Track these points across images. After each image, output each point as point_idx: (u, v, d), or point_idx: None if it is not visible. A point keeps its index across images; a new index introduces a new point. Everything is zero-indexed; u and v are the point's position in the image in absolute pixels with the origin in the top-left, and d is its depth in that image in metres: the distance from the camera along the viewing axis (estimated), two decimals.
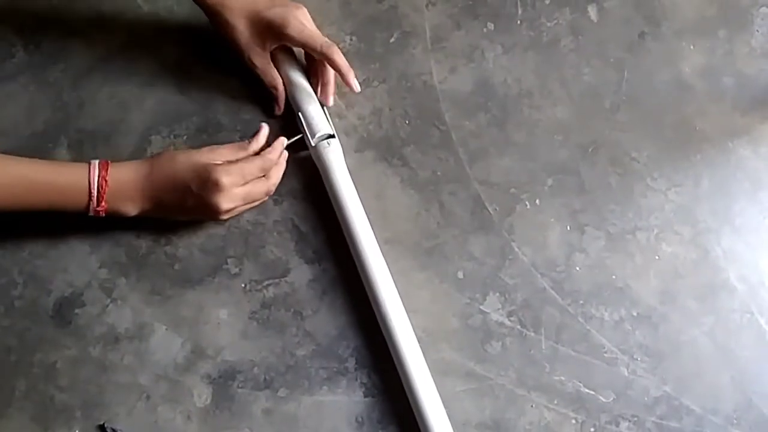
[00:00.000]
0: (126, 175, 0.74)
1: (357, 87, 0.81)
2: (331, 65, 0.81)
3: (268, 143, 0.80)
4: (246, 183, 0.76)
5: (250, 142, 0.79)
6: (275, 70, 0.83)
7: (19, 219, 0.81)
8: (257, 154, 0.79)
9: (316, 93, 0.83)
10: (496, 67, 0.88)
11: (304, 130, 0.81)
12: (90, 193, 0.73)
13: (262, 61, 0.82)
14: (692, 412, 0.78)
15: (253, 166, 0.77)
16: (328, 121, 0.82)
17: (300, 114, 0.82)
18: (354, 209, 0.78)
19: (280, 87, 0.83)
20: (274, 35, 0.80)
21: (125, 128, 0.84)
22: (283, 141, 0.80)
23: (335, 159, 0.80)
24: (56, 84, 0.85)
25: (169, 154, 0.76)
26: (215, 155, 0.77)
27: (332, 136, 0.81)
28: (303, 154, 0.83)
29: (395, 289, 0.77)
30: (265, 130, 0.81)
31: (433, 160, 0.84)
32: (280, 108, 0.84)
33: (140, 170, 0.75)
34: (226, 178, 0.74)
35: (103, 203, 0.73)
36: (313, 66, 0.84)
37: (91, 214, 0.74)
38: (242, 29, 0.79)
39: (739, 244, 0.83)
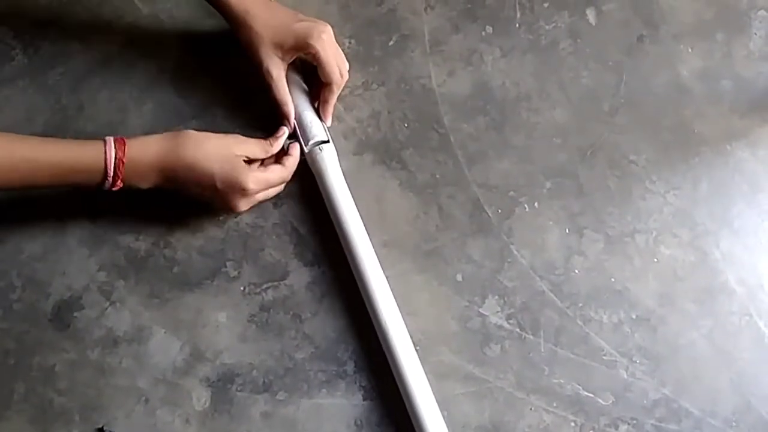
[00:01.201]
0: (144, 153, 0.74)
1: (328, 122, 0.83)
2: (324, 93, 0.82)
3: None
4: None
5: (272, 144, 0.80)
6: (287, 86, 0.82)
7: (18, 221, 0.81)
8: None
9: (314, 101, 0.83)
10: (494, 71, 0.88)
11: (299, 136, 0.81)
12: (106, 173, 0.72)
13: (278, 73, 0.81)
14: (691, 415, 0.78)
15: (277, 176, 0.79)
16: (324, 128, 0.82)
17: (295, 120, 0.82)
18: (349, 214, 0.78)
19: (290, 102, 0.82)
20: (296, 47, 0.79)
21: (124, 131, 0.83)
22: (296, 146, 0.81)
23: (329, 164, 0.80)
24: (55, 87, 0.85)
25: (195, 137, 0.75)
26: (242, 149, 0.77)
27: (326, 142, 0.81)
28: (303, 157, 0.83)
29: (391, 293, 0.77)
30: (285, 132, 0.81)
31: (432, 163, 0.84)
32: (291, 125, 0.82)
33: (160, 148, 0.74)
34: (254, 185, 0.76)
35: (119, 182, 0.73)
36: (317, 82, 0.83)
37: (105, 189, 0.74)
38: (265, 39, 0.79)
39: (737, 247, 0.83)
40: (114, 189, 0.74)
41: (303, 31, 0.79)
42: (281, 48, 0.80)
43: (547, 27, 0.89)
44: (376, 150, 0.85)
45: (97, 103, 0.85)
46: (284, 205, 0.83)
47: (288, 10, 0.81)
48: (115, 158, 0.72)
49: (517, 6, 0.90)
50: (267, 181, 0.78)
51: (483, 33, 0.89)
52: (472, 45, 0.88)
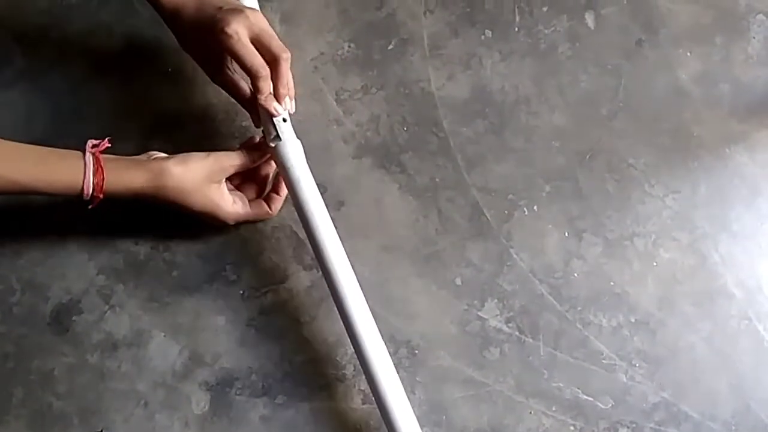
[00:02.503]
0: (123, 186, 0.72)
1: (287, 101, 0.75)
2: (270, 69, 0.74)
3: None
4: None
5: (253, 159, 0.77)
6: (243, 84, 0.77)
7: (17, 226, 0.81)
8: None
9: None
10: (493, 74, 0.88)
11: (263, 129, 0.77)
12: (83, 197, 0.71)
13: (223, 77, 0.76)
14: (690, 418, 0.78)
15: (259, 215, 0.79)
16: (273, 123, 0.75)
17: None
18: (314, 206, 0.74)
19: (246, 88, 0.77)
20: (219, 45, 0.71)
21: (124, 136, 0.83)
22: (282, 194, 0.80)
23: (286, 160, 0.75)
24: (55, 91, 0.85)
25: (176, 178, 0.72)
26: (224, 172, 0.76)
27: (278, 137, 0.75)
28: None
29: (357, 283, 0.74)
30: (262, 152, 0.78)
31: (432, 167, 0.84)
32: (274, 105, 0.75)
33: (140, 184, 0.72)
34: (233, 222, 0.78)
35: (94, 204, 0.72)
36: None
37: None
38: (194, 40, 0.74)
39: (736, 250, 0.83)
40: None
41: (215, 25, 0.71)
42: (209, 48, 0.74)
43: (546, 31, 0.89)
44: (376, 154, 0.85)
45: (97, 107, 0.85)
46: (283, 208, 0.82)
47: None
48: (93, 191, 0.71)
49: (516, 10, 0.90)
50: (247, 219, 0.79)
51: (482, 37, 0.89)
52: (471, 49, 0.89)
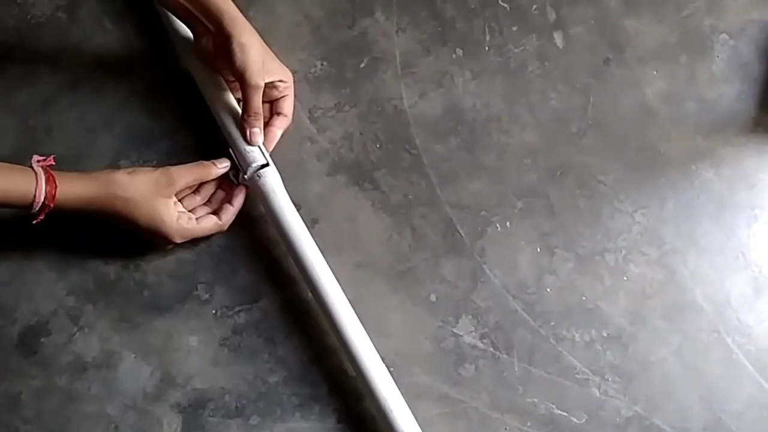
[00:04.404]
0: (73, 195, 0.72)
1: (271, 147, 0.81)
2: (278, 120, 0.82)
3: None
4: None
5: (209, 172, 0.79)
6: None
7: None
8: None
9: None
10: (465, 92, 0.89)
11: (237, 163, 0.79)
12: (33, 207, 0.71)
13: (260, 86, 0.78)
14: None
15: (208, 229, 0.78)
16: (263, 152, 0.78)
17: (231, 148, 0.79)
18: (301, 235, 0.76)
19: (261, 115, 0.79)
20: (276, 71, 0.79)
21: (94, 153, 0.83)
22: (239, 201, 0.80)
23: (274, 187, 0.78)
24: (23, 108, 0.84)
25: (124, 187, 0.74)
26: (174, 187, 0.76)
27: (266, 165, 0.78)
28: (245, 183, 0.81)
29: (352, 311, 0.75)
30: (225, 164, 0.80)
31: (405, 184, 0.85)
32: (261, 133, 0.79)
33: (91, 195, 0.73)
34: (180, 239, 0.77)
35: (41, 216, 0.72)
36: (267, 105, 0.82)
37: None
38: (254, 50, 0.75)
39: (704, 265, 0.84)
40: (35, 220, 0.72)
41: (280, 63, 0.81)
42: (263, 65, 0.77)
43: (515, 50, 0.91)
44: (349, 171, 0.85)
45: (66, 124, 0.84)
46: (255, 226, 0.82)
47: None
48: (44, 199, 0.71)
49: (487, 29, 0.91)
50: (194, 234, 0.78)
51: (453, 56, 0.90)
52: (443, 67, 0.89)
